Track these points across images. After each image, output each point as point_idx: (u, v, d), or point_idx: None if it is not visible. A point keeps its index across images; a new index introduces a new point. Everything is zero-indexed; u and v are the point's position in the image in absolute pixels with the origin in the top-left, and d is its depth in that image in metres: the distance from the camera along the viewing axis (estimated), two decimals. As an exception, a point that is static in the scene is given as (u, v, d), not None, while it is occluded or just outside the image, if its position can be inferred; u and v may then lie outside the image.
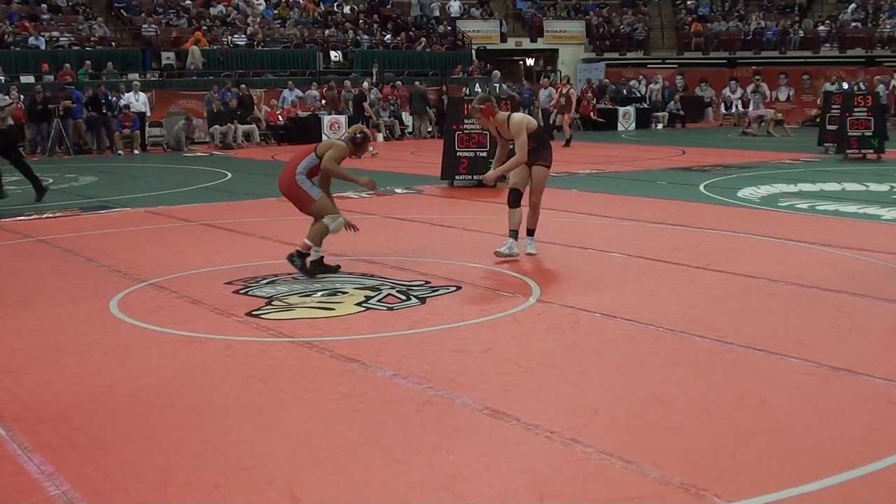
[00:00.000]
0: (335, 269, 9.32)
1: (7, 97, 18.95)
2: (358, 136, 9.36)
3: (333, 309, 7.98)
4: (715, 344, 6.83)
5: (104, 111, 26.10)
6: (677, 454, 4.80)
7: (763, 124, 30.77)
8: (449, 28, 40.47)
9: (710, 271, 9.33)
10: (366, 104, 29.75)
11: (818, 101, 29.87)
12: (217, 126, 27.73)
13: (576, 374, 6.22)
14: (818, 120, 26.27)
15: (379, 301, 8.22)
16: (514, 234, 9.94)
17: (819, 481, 4.44)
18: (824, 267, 9.54)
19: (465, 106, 17.04)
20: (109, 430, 5.24)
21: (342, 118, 29.98)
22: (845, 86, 24.91)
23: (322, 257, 9.20)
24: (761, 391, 5.79)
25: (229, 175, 19.68)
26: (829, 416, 5.35)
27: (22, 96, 25.36)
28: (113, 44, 32.45)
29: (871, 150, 21.67)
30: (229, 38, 33.76)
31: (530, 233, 10.26)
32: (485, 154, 16.51)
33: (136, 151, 25.82)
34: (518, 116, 10.18)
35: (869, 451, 4.80)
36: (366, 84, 31.07)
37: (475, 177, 16.48)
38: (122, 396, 5.82)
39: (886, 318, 7.60)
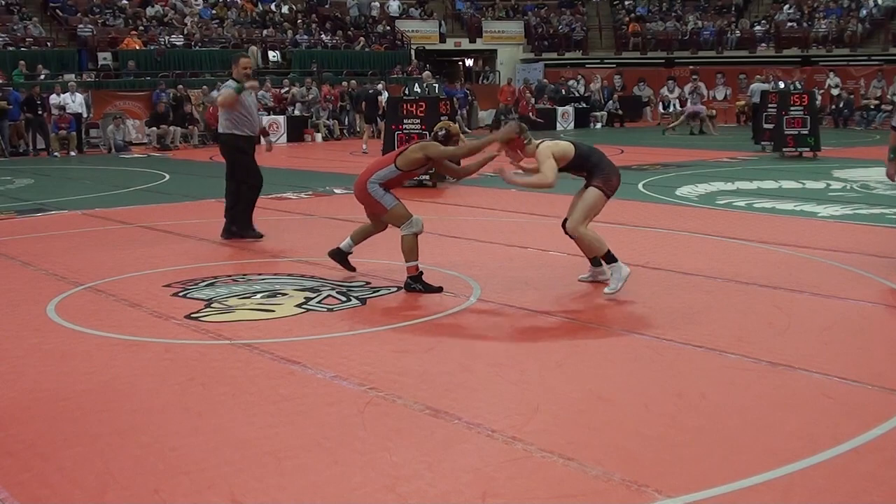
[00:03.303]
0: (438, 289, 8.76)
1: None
2: (440, 133, 8.96)
3: (273, 311, 7.94)
4: (654, 341, 6.87)
5: (39, 112, 25.74)
6: (618, 451, 4.82)
7: (695, 123, 31.17)
8: (388, 28, 40.44)
9: (649, 269, 9.39)
10: (381, 99, 28.98)
11: (749, 97, 30.35)
12: (154, 128, 27.47)
13: (517, 373, 6.23)
14: (746, 111, 26.82)
15: (319, 302, 8.18)
16: (594, 260, 8.81)
17: (758, 475, 4.48)
18: (762, 264, 9.64)
19: (404, 106, 17.05)
20: (47, 435, 5.17)
21: (281, 119, 29.84)
22: (781, 84, 25.18)
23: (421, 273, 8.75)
24: (701, 387, 5.84)
25: (167, 177, 19.51)
26: (767, 411, 5.40)
27: (-45, 98, 24.99)
28: (48, 44, 32.04)
29: (808, 149, 21.94)
30: (166, 38, 33.47)
31: (596, 262, 8.80)
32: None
33: (72, 153, 25.48)
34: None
35: (807, 444, 4.85)
36: (380, 85, 30.81)
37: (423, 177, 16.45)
38: (60, 402, 5.74)
39: (823, 313, 7.70)
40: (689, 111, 31.78)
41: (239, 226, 11.45)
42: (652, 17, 44.56)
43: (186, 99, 28.77)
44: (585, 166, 8.46)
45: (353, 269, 9.23)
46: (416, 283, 8.53)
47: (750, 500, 4.29)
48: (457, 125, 9.11)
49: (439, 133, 8.97)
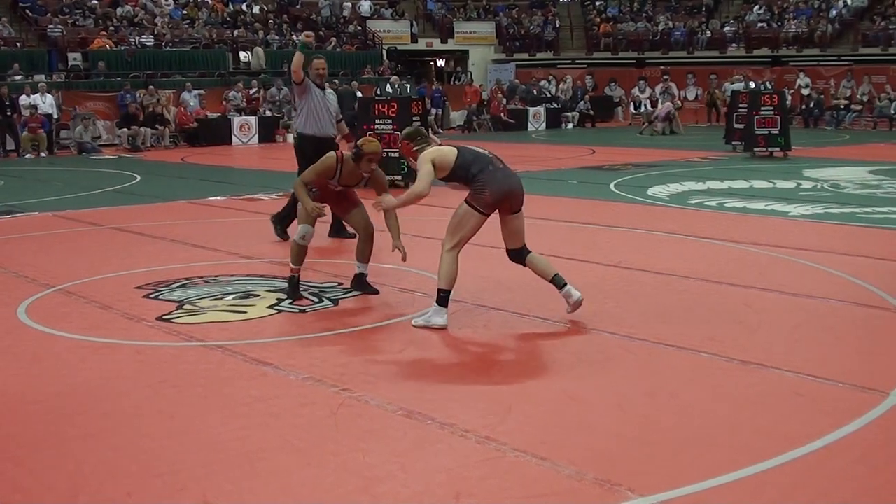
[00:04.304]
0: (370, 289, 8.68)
1: None
2: (354, 150, 8.31)
3: (246, 312, 7.92)
4: (626, 341, 6.90)
5: (9, 113, 25.53)
6: (591, 450, 4.84)
7: (665, 123, 31.33)
8: (359, 28, 40.37)
9: (621, 269, 9.42)
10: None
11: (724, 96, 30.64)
12: (125, 129, 27.34)
13: (489, 373, 6.24)
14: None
15: (291, 303, 8.17)
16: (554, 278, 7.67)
17: (731, 473, 4.51)
18: (733, 263, 9.69)
19: (375, 106, 17.04)
20: (18, 439, 5.14)
21: (252, 119, 29.77)
22: (752, 84, 25.30)
23: (365, 275, 8.66)
24: (673, 386, 5.86)
25: (138, 178, 19.41)
26: (739, 410, 5.43)
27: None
28: (18, 44, 31.83)
29: (778, 148, 22.06)
30: (137, 38, 33.30)
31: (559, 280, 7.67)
32: (396, 154, 16.50)
33: (42, 154, 25.31)
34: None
35: (779, 442, 4.88)
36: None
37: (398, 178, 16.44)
38: (31, 405, 5.71)
39: (793, 311, 7.74)
40: (662, 114, 31.85)
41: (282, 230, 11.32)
42: (623, 17, 44.66)
43: (157, 100, 28.60)
44: (465, 177, 7.46)
45: (376, 291, 8.63)
46: (289, 286, 8.42)
47: (722, 498, 4.31)
48: (377, 143, 8.31)
49: (353, 150, 8.34)
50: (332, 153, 8.48)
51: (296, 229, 8.41)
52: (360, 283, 8.63)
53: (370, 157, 8.19)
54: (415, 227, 11.56)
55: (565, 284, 7.52)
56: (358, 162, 8.21)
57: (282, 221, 11.39)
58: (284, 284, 8.78)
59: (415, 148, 7.66)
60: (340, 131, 11.76)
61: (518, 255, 7.67)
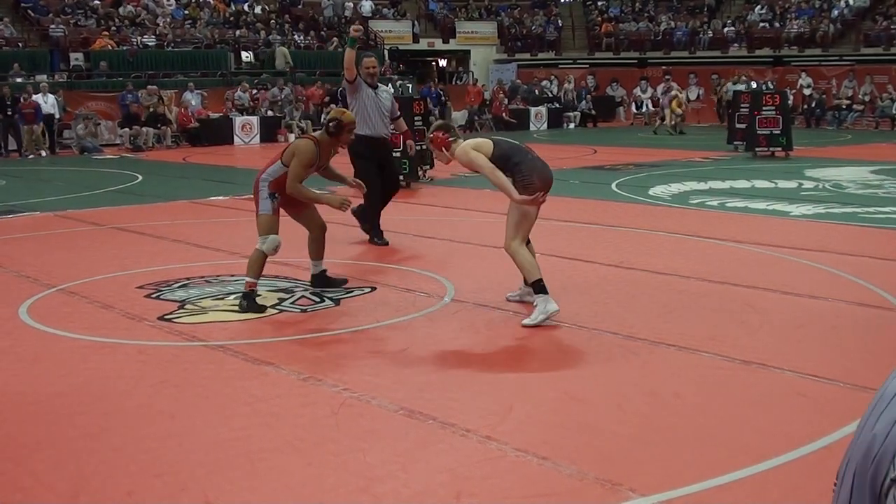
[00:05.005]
0: (340, 283, 8.69)
1: None
2: (331, 125, 8.29)
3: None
4: (628, 340, 6.89)
5: (11, 113, 25.52)
6: (592, 450, 4.83)
7: (673, 116, 31.42)
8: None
9: (622, 269, 9.42)
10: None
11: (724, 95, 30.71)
12: (127, 128, 27.34)
13: (491, 373, 6.24)
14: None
15: (293, 303, 8.17)
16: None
17: (732, 473, 4.50)
18: (735, 263, 9.68)
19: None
20: (19, 439, 5.14)
21: (254, 119, 29.76)
22: (753, 85, 25.30)
23: (325, 271, 8.65)
24: (674, 386, 5.86)
25: (140, 178, 19.41)
26: (741, 409, 5.43)
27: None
28: (20, 44, 31.83)
29: (780, 148, 22.04)
30: (139, 38, 33.31)
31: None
32: (397, 154, 16.47)
33: (42, 153, 25.26)
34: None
35: (780, 442, 4.88)
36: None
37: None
38: (32, 405, 5.71)
39: (795, 311, 7.73)
40: (666, 102, 32.10)
41: (368, 226, 11.06)
42: (625, 17, 44.63)
43: (160, 100, 28.60)
44: (506, 167, 7.48)
45: (345, 281, 8.75)
46: (244, 300, 7.93)
47: (723, 498, 4.31)
48: (350, 114, 8.46)
49: (329, 123, 8.34)
50: (305, 140, 8.38)
51: (257, 239, 8.10)
52: (324, 280, 8.60)
53: (350, 126, 8.35)
54: (416, 228, 11.57)
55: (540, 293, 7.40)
56: (338, 135, 8.28)
57: (369, 220, 11.01)
58: (286, 284, 8.79)
59: (450, 139, 7.72)
60: (399, 129, 11.57)
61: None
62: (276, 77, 32.82)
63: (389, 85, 18.34)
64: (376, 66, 11.38)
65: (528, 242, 7.71)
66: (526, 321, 7.32)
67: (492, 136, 7.90)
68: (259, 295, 8.08)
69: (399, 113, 11.63)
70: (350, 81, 11.01)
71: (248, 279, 8.00)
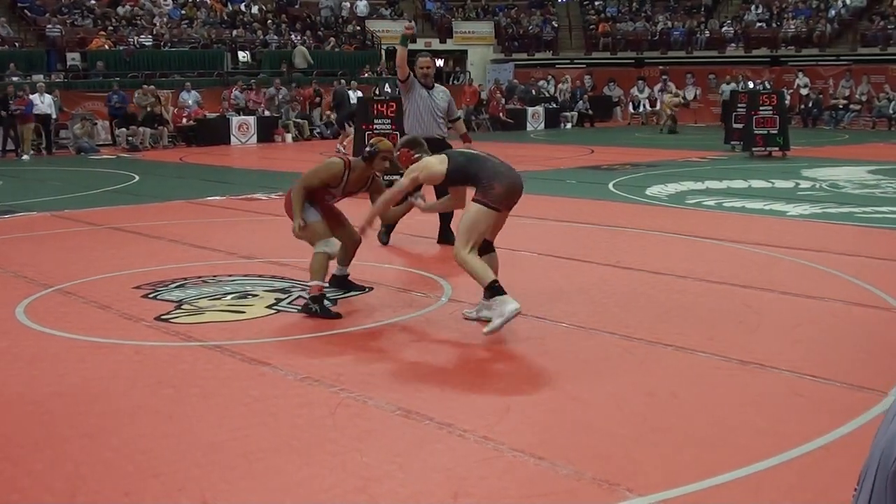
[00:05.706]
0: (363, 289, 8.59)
1: None
2: (367, 150, 8.08)
3: (244, 312, 7.91)
4: (625, 340, 6.89)
5: (10, 113, 25.47)
6: (589, 450, 4.84)
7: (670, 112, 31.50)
8: (358, 28, 40.36)
9: (620, 269, 9.42)
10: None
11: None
12: (123, 129, 27.32)
13: (488, 373, 6.24)
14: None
15: (290, 303, 8.16)
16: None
17: (729, 473, 4.50)
18: (732, 263, 9.68)
19: (374, 106, 17.01)
20: (16, 439, 5.13)
21: (251, 119, 29.74)
22: (751, 84, 25.32)
23: (348, 275, 8.54)
24: (672, 386, 5.86)
25: (136, 178, 19.40)
26: (738, 409, 5.43)
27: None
28: (16, 44, 31.80)
29: (777, 148, 22.06)
30: (135, 38, 33.28)
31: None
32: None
33: (34, 152, 25.18)
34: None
35: (777, 442, 4.88)
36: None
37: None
38: (29, 405, 5.70)
39: (793, 312, 7.74)
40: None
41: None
42: (622, 17, 44.64)
43: (156, 100, 28.56)
44: (466, 178, 7.38)
45: (365, 289, 8.62)
46: (315, 304, 7.73)
47: (721, 498, 4.31)
48: (387, 140, 8.20)
49: (366, 149, 8.15)
50: (338, 160, 8.22)
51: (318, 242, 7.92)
52: (343, 283, 8.53)
53: (385, 154, 8.04)
54: (414, 228, 11.56)
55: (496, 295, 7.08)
56: (371, 161, 8.04)
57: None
58: (283, 284, 8.78)
59: (415, 156, 7.61)
60: (458, 131, 11.15)
61: (485, 246, 7.40)
62: (273, 77, 32.80)
63: (386, 85, 18.28)
64: (430, 66, 11.05)
65: (489, 244, 7.45)
66: (485, 329, 6.95)
67: (447, 151, 7.79)
68: (329, 299, 7.98)
69: (459, 115, 11.37)
70: (402, 81, 10.82)
71: (314, 283, 7.78)
